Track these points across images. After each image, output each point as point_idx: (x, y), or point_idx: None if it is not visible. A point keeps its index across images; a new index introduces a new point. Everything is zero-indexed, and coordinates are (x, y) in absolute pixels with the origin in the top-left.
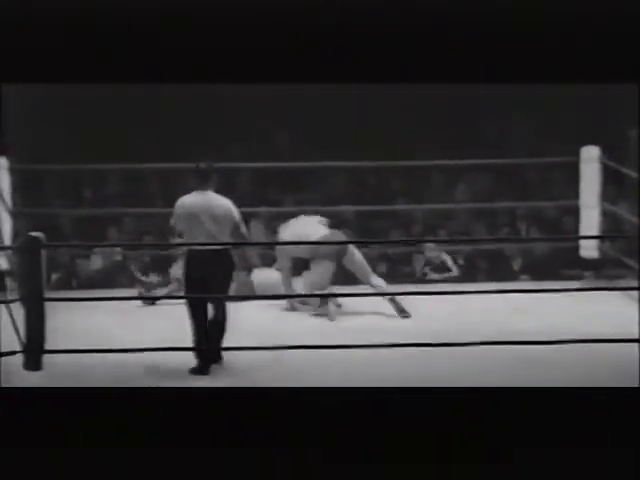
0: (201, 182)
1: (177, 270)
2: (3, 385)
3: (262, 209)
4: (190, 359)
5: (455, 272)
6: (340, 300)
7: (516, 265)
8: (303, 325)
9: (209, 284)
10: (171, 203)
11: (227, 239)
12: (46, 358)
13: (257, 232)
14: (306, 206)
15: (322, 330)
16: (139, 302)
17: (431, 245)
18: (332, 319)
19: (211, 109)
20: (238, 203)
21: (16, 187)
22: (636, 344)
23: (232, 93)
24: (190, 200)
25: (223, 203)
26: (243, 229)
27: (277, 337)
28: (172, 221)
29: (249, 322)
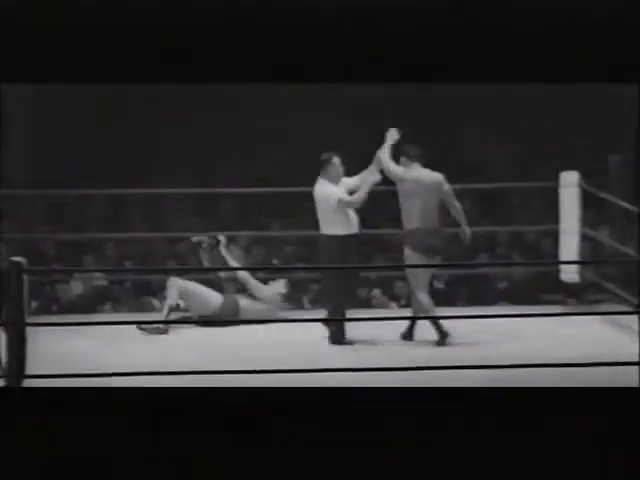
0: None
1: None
2: None
3: (245, 233)
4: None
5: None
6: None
7: (496, 290)
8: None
9: None
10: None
11: None
12: (27, 383)
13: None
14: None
15: None
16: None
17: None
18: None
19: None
20: (222, 228)
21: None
22: (616, 368)
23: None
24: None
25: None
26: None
27: None
28: None
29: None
